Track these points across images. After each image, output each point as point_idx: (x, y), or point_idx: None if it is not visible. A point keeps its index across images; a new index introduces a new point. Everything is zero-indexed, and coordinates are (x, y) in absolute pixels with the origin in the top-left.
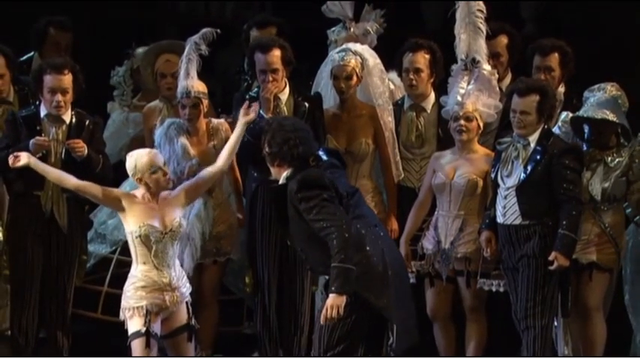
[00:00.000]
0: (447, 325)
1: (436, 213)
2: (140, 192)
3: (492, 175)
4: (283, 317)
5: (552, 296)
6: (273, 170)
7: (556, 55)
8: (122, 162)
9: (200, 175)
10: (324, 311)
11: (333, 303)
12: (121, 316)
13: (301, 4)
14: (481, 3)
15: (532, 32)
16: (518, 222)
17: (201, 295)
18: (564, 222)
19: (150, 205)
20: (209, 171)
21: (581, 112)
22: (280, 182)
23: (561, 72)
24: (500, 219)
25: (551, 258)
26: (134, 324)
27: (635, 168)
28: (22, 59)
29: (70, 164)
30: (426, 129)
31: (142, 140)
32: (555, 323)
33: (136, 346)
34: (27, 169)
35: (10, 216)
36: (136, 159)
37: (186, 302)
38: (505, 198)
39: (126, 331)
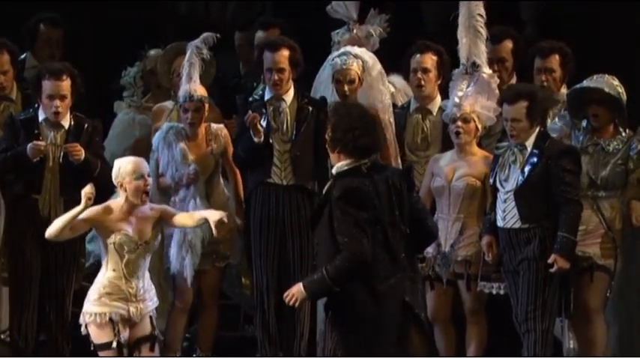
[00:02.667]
0: (448, 327)
1: (435, 216)
2: (117, 203)
3: (491, 180)
4: (283, 320)
5: (553, 299)
6: (332, 156)
7: (556, 56)
8: None
9: (176, 217)
10: (287, 292)
11: (297, 294)
12: (82, 320)
13: (301, 5)
14: (481, 7)
15: (532, 34)
16: (517, 225)
17: (200, 299)
18: (563, 225)
19: (126, 215)
20: (179, 220)
21: (576, 86)
22: (334, 170)
23: (562, 72)
24: (500, 223)
25: (550, 260)
26: (102, 335)
27: (634, 156)
28: (20, 59)
29: (68, 168)
30: (432, 132)
31: (147, 141)
32: (560, 319)
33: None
34: (25, 172)
35: (9, 219)
36: (121, 165)
37: (150, 316)
38: (504, 201)
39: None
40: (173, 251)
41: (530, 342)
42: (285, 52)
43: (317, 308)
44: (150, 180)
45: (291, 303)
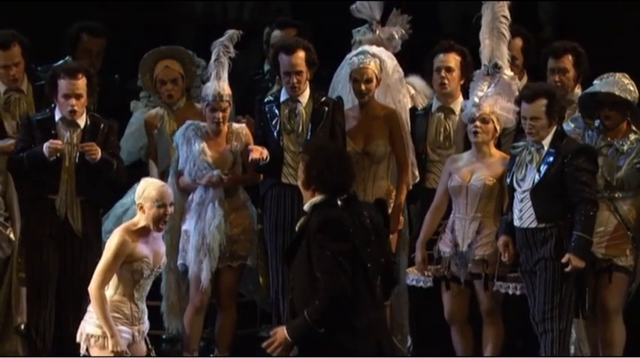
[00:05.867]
0: (464, 328)
1: (452, 215)
2: (131, 227)
3: (508, 180)
4: None
5: (570, 299)
6: (304, 193)
7: (569, 56)
8: (141, 161)
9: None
10: (270, 340)
11: (282, 342)
12: (81, 339)
13: (318, 6)
14: (506, 8)
15: (550, 35)
16: (534, 225)
17: (217, 299)
18: (578, 224)
19: (145, 239)
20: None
21: (588, 90)
22: (306, 207)
23: (576, 73)
24: (517, 223)
25: (564, 260)
26: (107, 352)
27: None
28: (56, 65)
29: (84, 168)
30: (454, 131)
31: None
32: None
33: None
34: (41, 172)
35: (25, 219)
36: (146, 187)
37: (145, 338)
38: (521, 201)
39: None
40: (191, 255)
41: (548, 343)
42: (301, 54)
43: None
44: (171, 209)
45: (276, 352)
